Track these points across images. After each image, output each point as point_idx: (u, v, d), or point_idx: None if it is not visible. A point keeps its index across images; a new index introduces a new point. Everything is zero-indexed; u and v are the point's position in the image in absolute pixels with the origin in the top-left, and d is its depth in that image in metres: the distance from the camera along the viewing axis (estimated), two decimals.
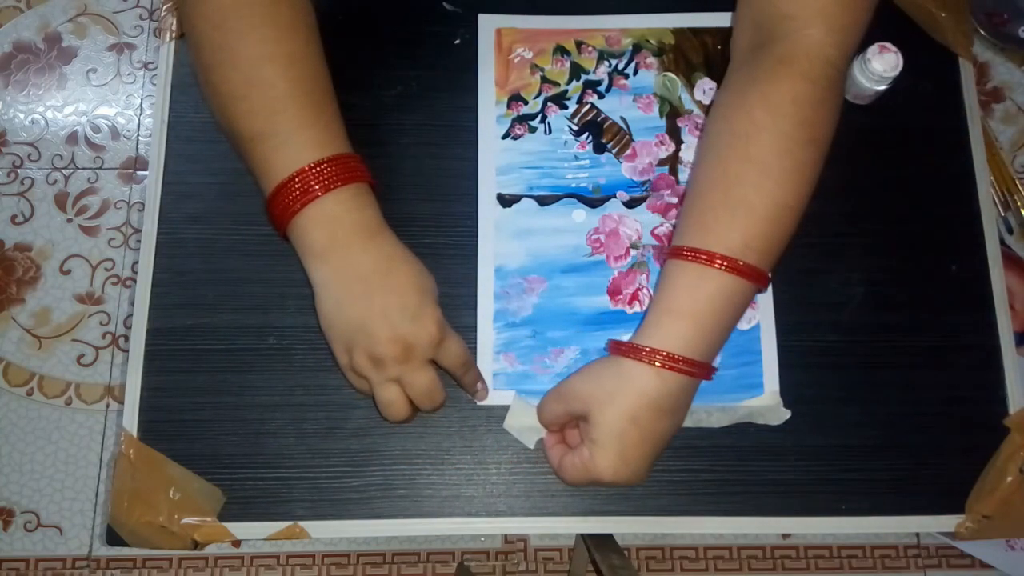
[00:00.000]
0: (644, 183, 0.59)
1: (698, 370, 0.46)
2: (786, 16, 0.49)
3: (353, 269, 0.48)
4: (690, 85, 0.61)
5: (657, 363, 0.46)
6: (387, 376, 0.48)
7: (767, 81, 0.49)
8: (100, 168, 1.28)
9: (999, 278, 0.59)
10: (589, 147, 0.60)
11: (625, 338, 0.56)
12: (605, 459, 0.46)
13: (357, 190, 0.49)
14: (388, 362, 0.47)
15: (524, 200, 0.59)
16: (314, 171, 0.47)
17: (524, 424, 0.54)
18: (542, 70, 0.61)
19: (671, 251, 0.49)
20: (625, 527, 0.54)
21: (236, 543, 1.14)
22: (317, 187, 0.47)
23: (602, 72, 0.61)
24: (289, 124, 0.48)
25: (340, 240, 0.48)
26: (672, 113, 0.61)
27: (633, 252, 0.58)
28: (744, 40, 0.52)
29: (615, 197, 0.59)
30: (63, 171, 1.28)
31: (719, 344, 0.48)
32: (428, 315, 0.48)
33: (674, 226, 0.51)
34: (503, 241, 0.58)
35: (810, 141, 0.48)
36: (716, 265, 0.46)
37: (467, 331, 0.55)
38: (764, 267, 0.47)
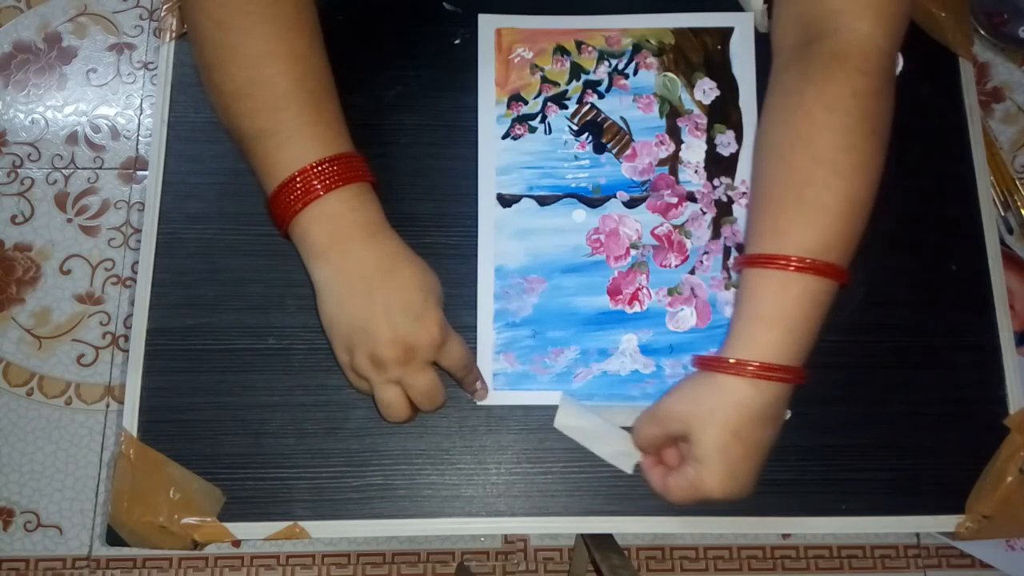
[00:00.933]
0: (644, 183, 0.59)
1: (793, 375, 0.46)
2: (835, 12, 0.49)
3: (355, 268, 0.48)
4: (690, 85, 0.61)
5: (754, 374, 0.45)
6: (388, 377, 0.48)
7: (823, 78, 0.48)
8: (100, 168, 1.28)
9: (999, 278, 0.59)
10: (589, 147, 0.60)
11: (626, 337, 0.56)
12: (713, 476, 0.46)
13: (359, 189, 0.49)
14: (389, 363, 0.47)
15: (524, 200, 0.59)
16: (316, 170, 0.47)
17: (575, 424, 0.54)
18: (542, 70, 0.61)
19: (747, 259, 0.48)
20: (625, 527, 0.54)
21: (236, 543, 1.14)
22: (319, 186, 0.47)
23: (602, 72, 0.61)
24: (291, 123, 0.48)
25: (342, 239, 0.48)
26: (672, 113, 0.61)
27: (633, 252, 0.58)
28: (789, 39, 0.52)
29: (615, 197, 0.59)
30: (63, 171, 1.28)
31: (810, 346, 0.48)
32: (430, 316, 0.47)
33: (745, 234, 0.50)
34: (503, 241, 0.58)
35: (872, 133, 0.48)
36: (798, 269, 0.46)
37: (467, 331, 0.55)
38: (844, 263, 0.47)
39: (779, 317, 0.46)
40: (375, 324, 0.46)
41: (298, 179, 0.47)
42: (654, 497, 0.53)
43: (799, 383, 0.47)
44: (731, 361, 0.46)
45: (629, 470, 0.53)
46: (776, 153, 0.50)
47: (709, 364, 0.47)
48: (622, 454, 0.53)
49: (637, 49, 0.62)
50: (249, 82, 0.48)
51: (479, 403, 0.55)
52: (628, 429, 0.53)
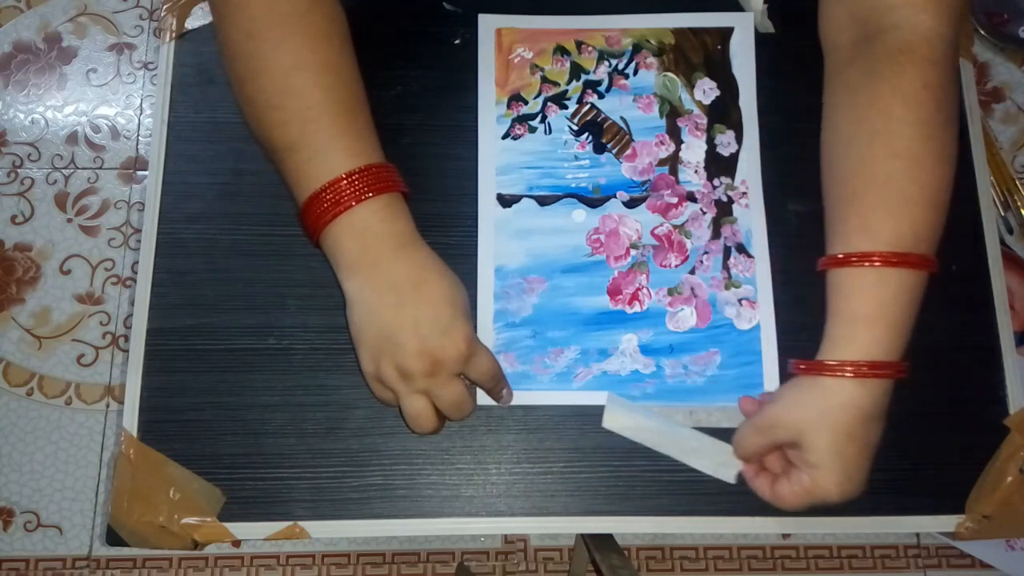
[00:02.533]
0: (644, 183, 0.59)
1: (897, 370, 0.47)
2: (893, 6, 0.49)
3: (384, 280, 0.47)
4: (690, 85, 0.61)
5: (862, 374, 0.46)
6: (414, 388, 0.47)
7: (893, 73, 0.48)
8: (100, 168, 1.28)
9: (999, 278, 0.59)
10: (589, 147, 0.60)
11: (626, 337, 0.56)
12: (830, 480, 0.46)
13: (389, 200, 0.48)
14: (416, 375, 0.46)
15: (524, 200, 0.59)
16: (346, 181, 0.47)
17: (624, 424, 0.54)
18: (542, 70, 0.61)
19: (838, 260, 0.48)
20: (625, 527, 0.54)
21: (236, 543, 1.14)
22: (349, 197, 0.47)
23: (602, 72, 0.61)
24: (322, 134, 0.48)
25: (372, 250, 0.47)
26: (672, 113, 0.61)
27: (633, 252, 0.58)
28: (843, 37, 0.52)
29: (615, 197, 0.59)
30: (63, 171, 1.28)
31: (907, 339, 0.48)
32: (458, 330, 0.47)
33: (827, 237, 0.50)
34: (503, 241, 0.58)
35: (948, 122, 0.48)
36: (893, 264, 0.46)
37: None
38: (933, 252, 0.48)
39: (880, 314, 0.47)
40: (403, 335, 0.46)
41: (328, 190, 0.47)
42: (654, 497, 0.53)
43: (901, 377, 0.47)
44: (836, 363, 0.46)
45: (732, 480, 0.52)
46: (853, 151, 0.50)
47: (813, 368, 0.47)
48: (722, 465, 0.52)
49: (637, 49, 0.62)
50: (279, 93, 0.48)
51: (505, 406, 0.55)
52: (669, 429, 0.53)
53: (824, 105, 0.53)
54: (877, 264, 0.47)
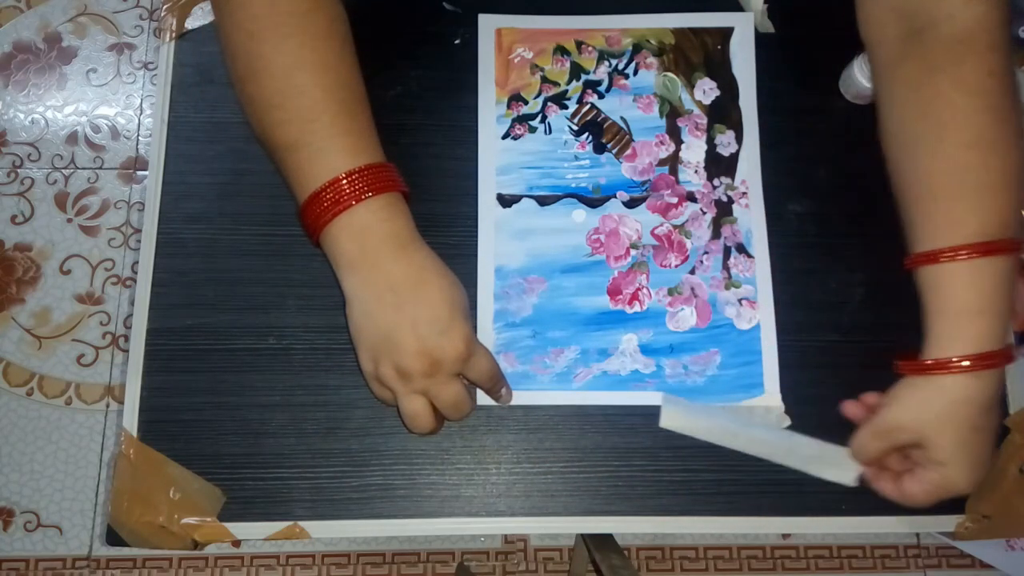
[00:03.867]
0: (644, 183, 0.59)
1: (1008, 356, 0.47)
2: None
3: (384, 280, 0.47)
4: (690, 85, 0.61)
5: (976, 368, 0.46)
6: (412, 388, 0.47)
7: (954, 64, 0.48)
8: (100, 168, 1.28)
9: None
10: (589, 147, 0.60)
11: (626, 337, 0.56)
12: (961, 474, 0.47)
13: (389, 199, 0.48)
14: (414, 375, 0.46)
15: (524, 200, 0.59)
16: (346, 181, 0.47)
17: (682, 424, 0.54)
18: (542, 70, 0.61)
19: (929, 257, 0.49)
20: (625, 527, 0.54)
21: (236, 543, 1.14)
22: (349, 196, 0.47)
23: (602, 72, 0.61)
24: (322, 133, 0.48)
25: (371, 250, 0.47)
26: (672, 113, 0.61)
27: (633, 252, 0.58)
28: (888, 32, 0.52)
29: (615, 197, 0.59)
30: (63, 171, 1.28)
31: (1009, 322, 0.48)
32: (457, 331, 0.47)
33: (906, 235, 0.51)
34: (503, 241, 0.58)
35: (1014, 105, 0.49)
36: (987, 253, 0.47)
37: None
38: (1020, 234, 0.48)
39: (982, 306, 0.47)
40: (401, 335, 0.46)
41: (328, 190, 0.47)
42: (654, 497, 0.53)
43: (1012, 362, 0.48)
44: (949, 360, 0.47)
45: (852, 482, 0.53)
46: (923, 147, 0.50)
47: (926, 368, 0.48)
48: (842, 469, 0.53)
49: (637, 49, 0.62)
50: (280, 93, 0.48)
51: (504, 405, 0.55)
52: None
53: (880, 103, 0.53)
54: (970, 257, 0.47)
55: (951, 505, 0.54)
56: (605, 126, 0.60)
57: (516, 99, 0.61)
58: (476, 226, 0.58)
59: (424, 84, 0.61)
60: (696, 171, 0.59)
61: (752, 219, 0.58)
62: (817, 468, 0.53)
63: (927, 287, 0.49)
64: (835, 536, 1.19)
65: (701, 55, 0.62)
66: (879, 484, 0.51)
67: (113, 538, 0.52)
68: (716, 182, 0.59)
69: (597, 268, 0.57)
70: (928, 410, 0.47)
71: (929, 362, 0.47)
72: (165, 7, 0.62)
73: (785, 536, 1.19)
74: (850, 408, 0.53)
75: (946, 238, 0.48)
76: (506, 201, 0.59)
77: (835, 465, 0.53)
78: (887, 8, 0.52)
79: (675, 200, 0.59)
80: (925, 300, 0.49)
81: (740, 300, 0.57)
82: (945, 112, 0.48)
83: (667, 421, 0.54)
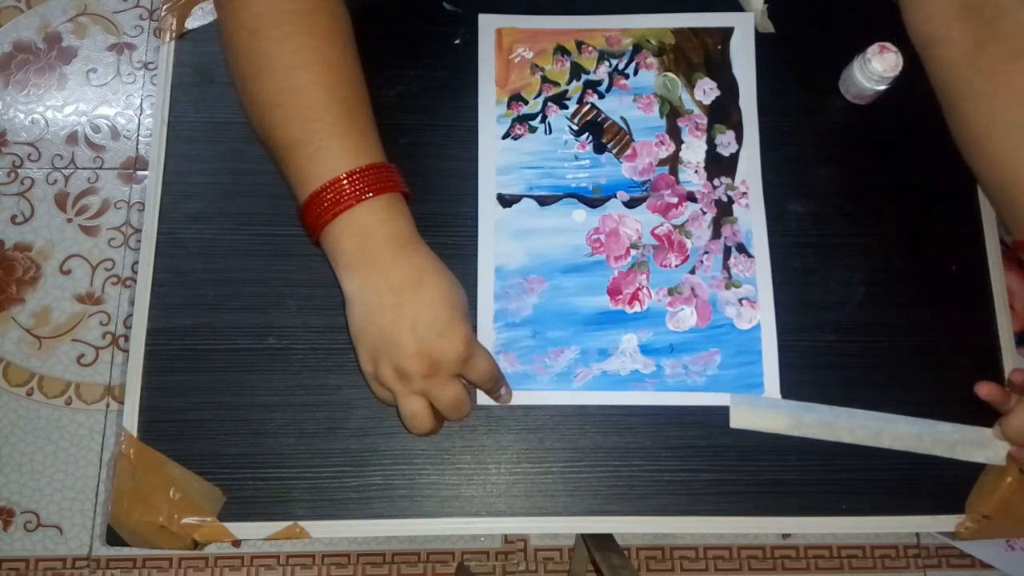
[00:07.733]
0: (644, 183, 0.59)
1: None
2: None
3: (383, 280, 0.47)
4: (690, 85, 0.61)
5: None
6: (412, 389, 0.47)
7: None
8: (100, 168, 1.28)
9: (999, 278, 0.59)
10: (589, 147, 0.60)
11: (626, 337, 0.56)
12: None
13: (390, 200, 0.48)
14: (413, 376, 0.46)
15: (524, 200, 0.59)
16: (347, 181, 0.47)
17: (755, 424, 0.54)
18: (542, 70, 0.61)
19: None
20: (625, 527, 0.54)
21: (236, 543, 1.14)
22: (349, 196, 0.47)
23: (602, 72, 0.61)
24: (324, 132, 0.48)
25: (371, 250, 0.47)
26: (672, 113, 0.61)
27: (633, 252, 0.58)
28: (956, 28, 0.53)
29: (615, 197, 0.59)
30: (63, 171, 1.28)
31: None
32: (456, 332, 0.47)
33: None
34: (503, 241, 0.58)
35: None
36: None
37: None
38: None
39: None
40: (401, 336, 0.46)
41: (329, 189, 0.47)
42: (654, 497, 0.53)
43: None
44: None
45: (1002, 461, 0.54)
46: (1019, 136, 0.51)
47: None
48: (991, 450, 0.54)
49: (637, 49, 0.62)
50: (282, 92, 0.48)
51: (503, 405, 0.55)
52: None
53: (957, 98, 0.54)
54: None
55: (951, 505, 0.54)
56: (605, 126, 0.60)
57: (516, 99, 0.61)
58: (476, 226, 0.58)
59: (424, 84, 0.61)
60: (696, 171, 0.59)
61: (752, 219, 0.58)
62: (965, 452, 0.54)
63: None
64: (835, 536, 1.19)
65: (701, 55, 0.62)
66: None
67: (113, 538, 0.52)
68: (716, 182, 0.59)
69: (597, 268, 0.57)
70: None
71: None
72: (165, 7, 0.62)
73: (785, 536, 1.19)
74: (985, 388, 0.53)
75: None
76: (506, 201, 0.59)
77: (984, 447, 0.54)
78: (952, 4, 0.52)
79: (675, 200, 0.59)
80: None
81: (740, 300, 0.57)
82: None
83: (738, 422, 0.54)
